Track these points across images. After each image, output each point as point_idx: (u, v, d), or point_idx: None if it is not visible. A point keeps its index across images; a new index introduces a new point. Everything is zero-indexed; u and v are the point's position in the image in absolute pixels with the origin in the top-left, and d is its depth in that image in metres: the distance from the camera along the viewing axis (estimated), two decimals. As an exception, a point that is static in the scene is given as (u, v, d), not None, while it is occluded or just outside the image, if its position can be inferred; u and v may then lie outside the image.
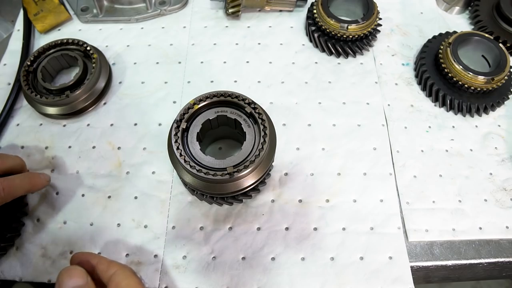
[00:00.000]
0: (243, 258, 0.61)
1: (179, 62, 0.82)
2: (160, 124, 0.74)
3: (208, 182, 0.56)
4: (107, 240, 0.62)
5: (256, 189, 0.63)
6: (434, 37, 0.83)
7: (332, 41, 0.81)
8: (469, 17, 0.91)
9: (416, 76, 0.81)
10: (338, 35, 0.79)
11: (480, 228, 0.65)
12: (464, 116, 0.76)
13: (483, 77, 0.72)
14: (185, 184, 0.63)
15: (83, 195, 0.66)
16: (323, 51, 0.83)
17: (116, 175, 0.68)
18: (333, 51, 0.82)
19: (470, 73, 0.73)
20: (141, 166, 0.69)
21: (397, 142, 0.73)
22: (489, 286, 1.71)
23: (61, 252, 0.62)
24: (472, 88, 0.73)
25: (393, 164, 0.70)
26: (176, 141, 0.56)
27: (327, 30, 0.80)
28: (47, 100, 0.70)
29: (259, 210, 0.65)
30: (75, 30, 0.86)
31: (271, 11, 0.90)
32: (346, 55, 0.82)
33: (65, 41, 0.76)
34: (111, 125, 0.74)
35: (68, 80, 0.74)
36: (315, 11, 0.82)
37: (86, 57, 0.77)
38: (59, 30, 0.86)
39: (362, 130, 0.74)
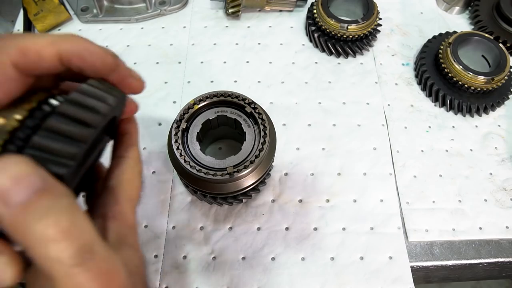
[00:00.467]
0: (243, 258, 0.62)
1: (179, 62, 0.82)
2: (160, 124, 0.74)
3: (208, 182, 0.56)
4: (107, 240, 0.62)
5: (256, 189, 0.63)
6: (434, 37, 0.83)
7: (332, 41, 0.81)
8: (469, 17, 0.91)
9: (416, 76, 0.81)
10: (338, 35, 0.79)
11: (480, 228, 0.65)
12: (464, 116, 0.76)
13: (483, 77, 0.72)
14: (185, 184, 0.63)
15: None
16: (323, 51, 0.83)
17: (116, 175, 0.68)
18: (333, 51, 0.82)
19: (470, 73, 0.73)
20: (141, 166, 0.69)
21: (397, 142, 0.73)
22: (489, 286, 1.71)
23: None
24: (472, 88, 0.73)
25: (393, 164, 0.70)
26: (176, 141, 0.56)
27: (327, 30, 0.80)
28: (47, 100, 0.70)
29: (259, 210, 0.65)
30: (75, 30, 0.86)
31: (271, 11, 0.90)
32: (346, 55, 0.82)
33: (65, 41, 0.76)
34: (111, 125, 0.74)
35: (68, 80, 0.74)
36: (315, 11, 0.82)
37: (86, 57, 0.76)
38: (59, 30, 0.86)
39: (362, 130, 0.74)
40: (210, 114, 0.60)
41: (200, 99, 0.60)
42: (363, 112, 0.76)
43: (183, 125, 0.57)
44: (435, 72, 0.78)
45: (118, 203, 0.34)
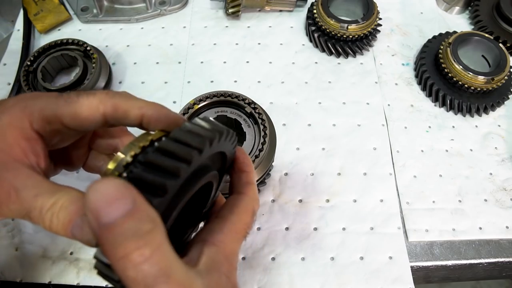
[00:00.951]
0: (243, 258, 0.61)
1: (179, 62, 0.82)
2: (160, 124, 0.73)
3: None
4: (107, 240, 0.62)
5: (256, 189, 0.63)
6: (434, 37, 0.83)
7: (332, 41, 0.81)
8: (469, 17, 0.91)
9: (416, 76, 0.81)
10: (338, 35, 0.79)
11: (480, 228, 0.65)
12: (464, 116, 0.76)
13: (483, 77, 0.72)
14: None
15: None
16: (323, 51, 0.83)
17: (116, 175, 0.68)
18: (333, 51, 0.82)
19: (470, 73, 0.73)
20: (141, 166, 0.69)
21: (397, 142, 0.73)
22: (489, 286, 1.71)
23: (61, 253, 0.62)
24: (472, 88, 0.73)
25: (393, 164, 0.70)
26: (176, 141, 0.56)
27: (327, 30, 0.80)
28: (47, 100, 0.70)
29: (259, 210, 0.65)
30: (75, 30, 0.86)
31: (271, 11, 0.90)
32: (346, 55, 0.82)
33: (65, 41, 0.76)
34: (111, 125, 0.74)
35: (68, 80, 0.74)
36: (315, 11, 0.82)
37: (86, 57, 0.77)
38: (59, 30, 0.86)
39: (362, 130, 0.74)
40: (210, 114, 0.60)
41: (200, 99, 0.60)
42: (363, 112, 0.76)
43: (183, 125, 0.57)
44: (435, 72, 0.78)
45: (222, 232, 0.36)
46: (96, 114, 0.37)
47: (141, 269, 0.25)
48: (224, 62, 0.82)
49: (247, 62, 0.82)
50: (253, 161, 0.55)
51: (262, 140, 0.57)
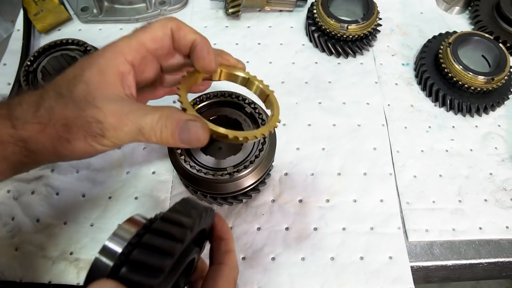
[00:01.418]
0: (243, 258, 0.61)
1: (179, 62, 0.81)
2: (160, 124, 0.73)
3: (208, 182, 0.56)
4: (107, 240, 0.62)
5: (256, 189, 0.63)
6: (434, 37, 0.83)
7: (332, 41, 0.81)
8: (469, 17, 0.91)
9: (416, 76, 0.81)
10: (338, 35, 0.79)
11: (480, 228, 0.65)
12: (464, 116, 0.76)
13: (483, 77, 0.72)
14: (185, 184, 0.63)
15: (83, 196, 0.66)
16: (323, 51, 0.83)
17: (116, 175, 0.68)
18: (333, 51, 0.82)
19: (470, 73, 0.73)
20: (141, 166, 0.69)
21: (397, 142, 0.73)
22: (489, 286, 1.71)
23: (61, 253, 0.62)
24: (472, 88, 0.73)
25: (393, 164, 0.70)
26: (176, 141, 0.56)
27: (327, 30, 0.80)
28: (47, 100, 0.70)
29: (259, 210, 0.65)
30: (75, 30, 0.86)
31: (271, 11, 0.90)
32: (346, 55, 0.82)
33: (65, 41, 0.76)
34: (111, 125, 0.74)
35: (68, 80, 0.74)
36: (315, 11, 0.82)
37: (86, 57, 0.76)
38: (59, 30, 0.86)
39: (362, 130, 0.74)
40: (210, 114, 0.60)
41: (200, 99, 0.60)
42: (363, 112, 0.76)
43: (183, 125, 0.57)
44: (435, 72, 0.78)
45: None
46: (167, 31, 0.45)
47: None
48: (224, 62, 0.81)
49: (247, 62, 0.82)
50: (253, 161, 0.55)
51: (262, 140, 0.57)
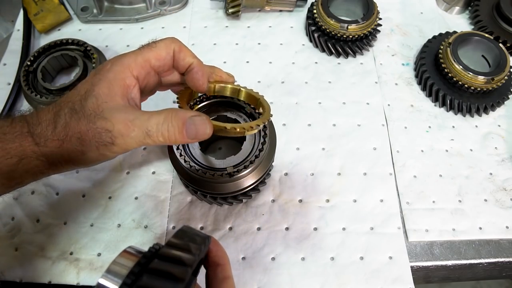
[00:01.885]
0: (243, 258, 0.61)
1: (179, 62, 0.82)
2: (160, 124, 0.73)
3: (208, 182, 0.56)
4: (107, 240, 0.62)
5: (256, 189, 0.63)
6: (434, 37, 0.83)
7: (332, 41, 0.81)
8: (469, 17, 0.91)
9: (416, 76, 0.81)
10: (338, 35, 0.79)
11: (480, 228, 0.65)
12: (464, 116, 0.76)
13: (483, 77, 0.72)
14: (185, 184, 0.63)
15: (83, 196, 0.66)
16: (323, 51, 0.83)
17: (116, 175, 0.68)
18: (333, 51, 0.82)
19: (470, 73, 0.73)
20: (141, 166, 0.69)
21: (397, 142, 0.73)
22: (489, 286, 1.71)
23: (61, 253, 0.62)
24: (472, 88, 0.73)
25: (393, 164, 0.70)
26: (176, 141, 0.56)
27: (327, 30, 0.80)
28: (47, 100, 0.70)
29: (259, 210, 0.65)
30: (75, 30, 0.86)
31: (271, 11, 0.90)
32: (346, 55, 0.82)
33: (65, 41, 0.76)
34: (111, 125, 0.74)
35: (68, 80, 0.74)
36: (315, 11, 0.82)
37: (86, 57, 0.77)
38: (59, 30, 0.86)
39: (362, 130, 0.74)
40: (210, 114, 0.60)
41: (200, 99, 0.60)
42: (363, 112, 0.76)
43: (183, 125, 0.57)
44: (435, 72, 0.78)
45: None
46: (170, 51, 0.51)
47: None
48: (224, 62, 0.82)
49: (247, 62, 0.82)
50: (253, 161, 0.55)
51: (262, 140, 0.57)
